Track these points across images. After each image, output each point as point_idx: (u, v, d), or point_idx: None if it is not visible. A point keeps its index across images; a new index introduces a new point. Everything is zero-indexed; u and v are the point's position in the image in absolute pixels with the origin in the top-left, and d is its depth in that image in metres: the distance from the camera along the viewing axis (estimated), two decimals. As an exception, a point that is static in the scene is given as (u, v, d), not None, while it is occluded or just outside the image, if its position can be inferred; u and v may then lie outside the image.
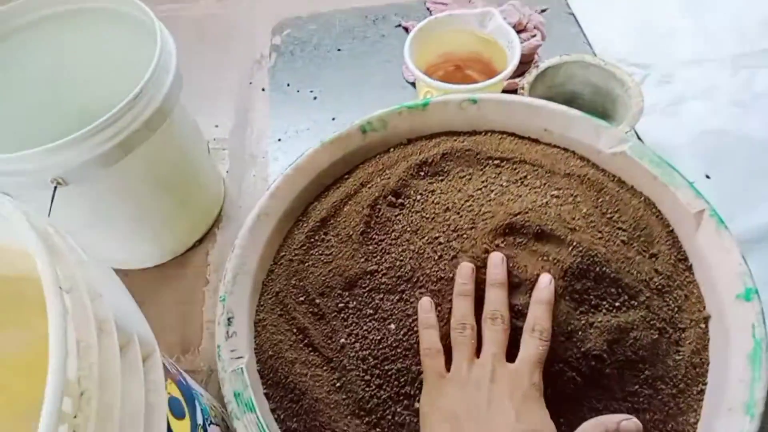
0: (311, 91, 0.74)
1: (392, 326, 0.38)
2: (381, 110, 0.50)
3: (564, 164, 0.45)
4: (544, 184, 0.43)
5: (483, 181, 0.44)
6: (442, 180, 0.46)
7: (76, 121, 0.44)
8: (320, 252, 0.45)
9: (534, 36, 0.68)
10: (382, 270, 0.41)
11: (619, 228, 0.41)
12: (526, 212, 0.39)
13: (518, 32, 0.67)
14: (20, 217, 0.24)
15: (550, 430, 0.31)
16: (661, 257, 0.40)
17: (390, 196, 0.45)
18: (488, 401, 0.32)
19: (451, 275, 0.38)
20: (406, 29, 0.80)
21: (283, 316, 0.42)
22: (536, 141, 0.49)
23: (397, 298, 0.39)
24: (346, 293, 0.41)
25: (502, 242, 0.38)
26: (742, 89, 0.68)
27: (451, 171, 0.47)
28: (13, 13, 0.50)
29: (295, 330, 0.41)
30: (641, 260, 0.39)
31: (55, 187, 0.44)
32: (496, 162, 0.46)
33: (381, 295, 0.40)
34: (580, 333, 0.35)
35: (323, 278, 0.42)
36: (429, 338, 0.36)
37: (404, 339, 0.37)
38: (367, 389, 0.37)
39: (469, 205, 0.42)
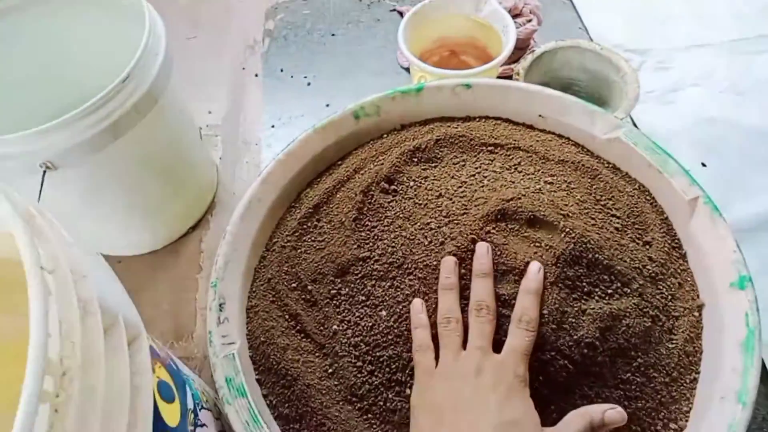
0: (305, 77, 0.73)
1: (383, 312, 0.38)
2: (374, 95, 0.49)
3: (558, 150, 0.45)
4: (538, 170, 0.43)
5: (476, 168, 0.44)
6: (435, 166, 0.46)
7: (68, 106, 0.44)
8: (313, 238, 0.44)
9: (530, 21, 0.68)
10: (374, 256, 0.40)
11: (613, 215, 0.40)
12: (519, 198, 0.39)
13: (514, 17, 0.66)
14: (1, 198, 0.23)
15: (533, 421, 0.31)
16: (654, 245, 0.40)
17: (383, 183, 0.44)
18: (472, 394, 0.32)
19: (439, 260, 0.37)
20: (401, 13, 0.79)
21: (275, 302, 0.42)
22: (531, 127, 0.48)
23: (388, 284, 0.39)
24: (339, 280, 0.41)
25: (494, 228, 0.38)
26: (741, 76, 0.67)
27: (445, 157, 0.46)
28: (-1, -3, 0.49)
29: (287, 316, 0.41)
30: (635, 247, 0.39)
31: (44, 172, 0.44)
32: (489, 148, 0.46)
33: (373, 282, 0.39)
34: (572, 320, 0.35)
35: (316, 265, 0.42)
36: (420, 336, 0.36)
37: (395, 326, 0.37)
38: (359, 375, 0.37)
39: (462, 191, 0.41)
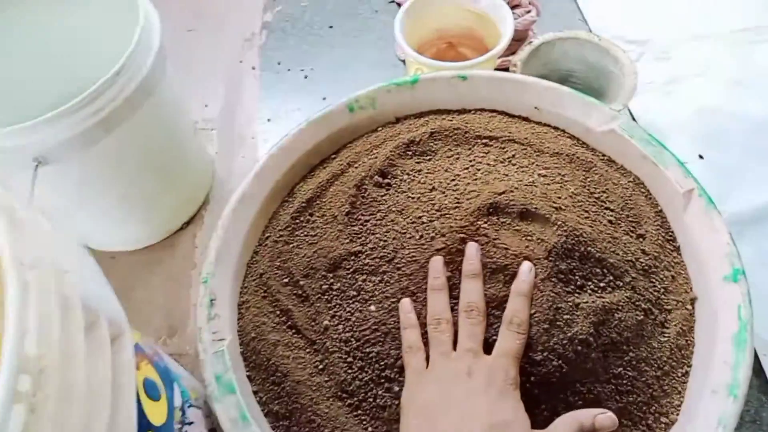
0: (302, 70, 0.73)
1: (372, 307, 0.38)
2: (369, 87, 0.49)
3: (553, 143, 0.44)
4: (532, 163, 0.43)
5: (470, 161, 0.44)
6: (429, 159, 0.45)
7: (65, 99, 0.43)
8: (305, 233, 0.44)
9: (529, 11, 0.67)
10: (366, 251, 0.40)
11: (607, 208, 0.40)
12: (511, 191, 0.38)
13: (512, 8, 0.65)
14: (-20, 193, 0.23)
15: (523, 423, 0.31)
16: (648, 237, 0.39)
17: (377, 176, 0.44)
18: (463, 396, 0.32)
19: (428, 256, 0.37)
20: (399, 4, 0.78)
21: (266, 298, 0.42)
22: (526, 119, 0.48)
23: (378, 279, 0.38)
24: (331, 275, 0.40)
25: (486, 222, 0.37)
26: (741, 66, 0.66)
27: (439, 150, 0.46)
28: (-9, -10, 0.49)
29: (278, 312, 0.41)
30: (628, 240, 0.38)
31: (36, 167, 0.44)
32: (484, 141, 0.46)
33: (364, 276, 0.39)
34: (566, 316, 0.35)
35: (308, 260, 0.42)
36: (410, 337, 0.36)
37: (383, 321, 0.37)
38: (349, 371, 0.37)
39: (455, 185, 0.41)
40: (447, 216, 0.38)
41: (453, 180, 0.42)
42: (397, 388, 0.36)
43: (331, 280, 0.40)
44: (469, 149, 0.45)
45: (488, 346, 0.34)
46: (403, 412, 0.34)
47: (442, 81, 0.49)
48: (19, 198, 0.27)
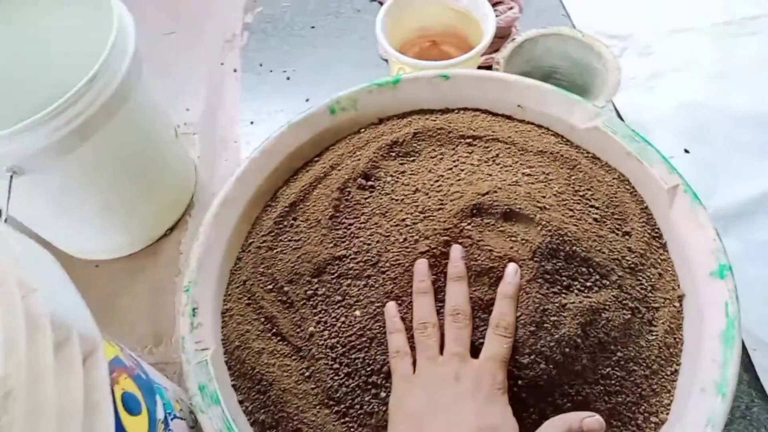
0: (284, 71, 0.72)
1: (357, 312, 0.37)
2: (350, 88, 0.48)
3: (537, 141, 0.44)
4: (516, 162, 0.42)
5: (454, 161, 0.43)
6: (413, 160, 0.45)
7: (37, 108, 0.42)
8: (289, 238, 0.43)
9: (511, 8, 0.66)
10: (350, 255, 0.39)
11: (592, 206, 0.39)
12: (495, 192, 0.38)
13: (494, 4, 0.65)
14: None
15: (511, 427, 0.31)
16: (634, 235, 0.39)
17: (360, 179, 0.43)
18: (451, 400, 0.32)
19: (412, 259, 0.37)
20: (381, 3, 0.77)
21: (250, 305, 0.41)
22: (510, 118, 0.47)
23: (363, 283, 0.38)
24: (315, 280, 0.40)
25: (469, 224, 0.37)
26: (724, 60, 0.66)
27: (423, 151, 0.45)
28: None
29: (263, 319, 0.40)
30: (614, 238, 0.38)
31: (11, 177, 0.43)
32: (468, 140, 0.45)
33: (349, 281, 0.38)
34: (554, 318, 0.34)
35: (292, 265, 0.41)
36: (396, 342, 0.35)
37: (369, 327, 0.36)
38: (335, 378, 0.36)
39: (439, 186, 0.40)
40: (431, 218, 0.38)
41: (437, 181, 0.41)
42: (384, 394, 0.35)
43: (316, 286, 0.40)
44: (453, 149, 0.45)
45: (475, 350, 0.34)
46: (390, 418, 0.34)
47: (424, 80, 0.48)
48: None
